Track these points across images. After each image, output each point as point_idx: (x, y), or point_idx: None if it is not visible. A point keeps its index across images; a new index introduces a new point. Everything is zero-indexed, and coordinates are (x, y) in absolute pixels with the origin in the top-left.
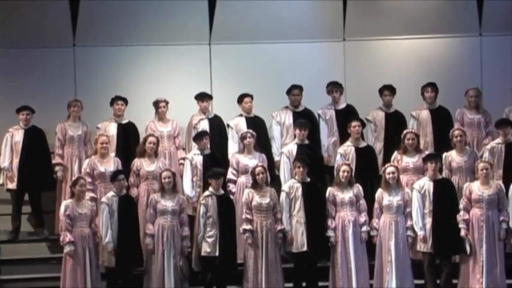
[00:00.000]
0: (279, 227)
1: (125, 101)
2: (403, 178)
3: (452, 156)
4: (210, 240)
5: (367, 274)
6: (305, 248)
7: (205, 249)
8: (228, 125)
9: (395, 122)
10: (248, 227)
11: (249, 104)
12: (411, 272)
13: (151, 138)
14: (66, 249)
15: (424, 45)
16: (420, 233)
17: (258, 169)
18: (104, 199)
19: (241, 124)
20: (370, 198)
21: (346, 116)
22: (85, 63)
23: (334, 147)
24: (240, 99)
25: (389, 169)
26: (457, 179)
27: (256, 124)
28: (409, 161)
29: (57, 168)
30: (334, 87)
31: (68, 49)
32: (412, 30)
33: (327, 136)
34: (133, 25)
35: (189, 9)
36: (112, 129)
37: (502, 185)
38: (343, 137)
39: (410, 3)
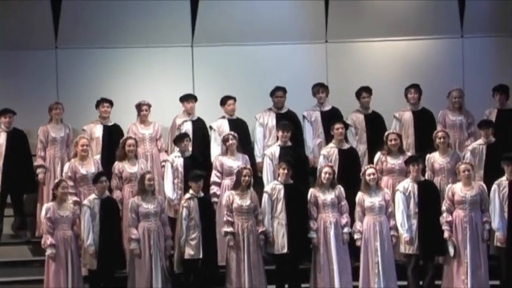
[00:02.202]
0: (260, 229)
1: (111, 103)
2: (388, 180)
3: (435, 158)
4: (193, 242)
5: (349, 276)
6: (285, 250)
7: (189, 251)
8: (211, 127)
9: (374, 123)
10: (229, 229)
11: (231, 106)
12: (395, 272)
13: (129, 141)
14: (48, 252)
15: (406, 47)
16: (406, 236)
17: (245, 171)
18: (85, 202)
19: (224, 126)
20: (353, 200)
21: (331, 118)
22: (67, 66)
23: (319, 148)
24: (223, 102)
25: (370, 171)
26: (440, 180)
27: (239, 126)
28: (394, 162)
29: (38, 170)
30: (321, 89)
31: (49, 51)
32: (394, 32)
33: (312, 138)
34: (115, 27)
35: (171, 11)
36: (98, 131)
37: (484, 186)
38: (329, 138)
39: (392, 5)
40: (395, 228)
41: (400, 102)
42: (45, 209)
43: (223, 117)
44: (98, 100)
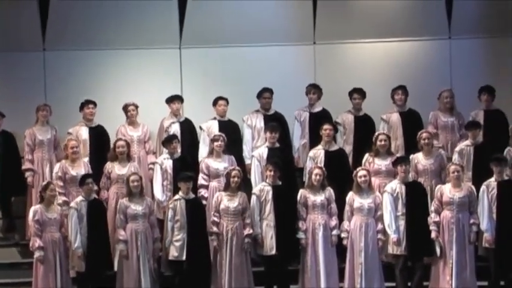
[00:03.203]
0: (246, 232)
1: (95, 104)
2: (375, 181)
3: (419, 159)
4: (177, 244)
5: (336, 277)
6: (274, 252)
7: (173, 253)
8: (201, 128)
9: (364, 126)
10: (214, 229)
11: (223, 107)
12: (380, 274)
13: (120, 143)
14: (36, 254)
15: (394, 48)
16: (394, 236)
17: (234, 172)
18: (72, 204)
19: (214, 127)
20: (340, 201)
21: (320, 120)
22: (55, 68)
23: (303, 149)
24: (215, 102)
25: (361, 173)
26: (423, 182)
27: (229, 128)
28: (381, 163)
29: (27, 174)
30: (312, 90)
31: (37, 53)
32: (382, 33)
33: (299, 138)
34: (103, 29)
35: (159, 13)
36: (84, 133)
37: (473, 188)
38: (314, 140)
39: (380, 6)
40: (383, 231)
41: (388, 103)
42: (33, 211)
43: (214, 118)
44: (82, 102)
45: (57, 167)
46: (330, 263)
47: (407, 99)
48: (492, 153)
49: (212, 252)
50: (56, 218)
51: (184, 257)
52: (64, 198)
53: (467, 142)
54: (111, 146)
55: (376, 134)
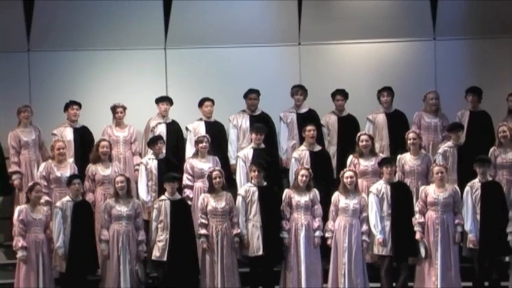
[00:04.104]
0: (235, 231)
1: (80, 105)
2: (362, 182)
3: (406, 159)
4: (160, 244)
5: (319, 278)
6: (261, 252)
7: (155, 253)
8: (187, 128)
9: (348, 126)
10: (203, 231)
11: (209, 108)
12: (365, 274)
13: (103, 143)
14: (19, 254)
15: (379, 49)
16: (379, 237)
17: (215, 173)
18: (58, 203)
19: (200, 128)
20: (324, 202)
21: (306, 120)
22: (39, 69)
23: (293, 150)
24: (201, 103)
25: (348, 173)
26: (409, 182)
27: (216, 129)
28: (367, 164)
29: (14, 176)
30: (299, 91)
31: (22, 54)
32: (367, 34)
33: (286, 139)
34: (88, 30)
35: (145, 14)
36: (68, 134)
37: (458, 189)
38: (303, 140)
39: (365, 7)
40: (368, 233)
41: (374, 104)
42: (18, 211)
43: (201, 119)
44: (66, 103)
45: (42, 167)
46: (312, 264)
47: (393, 100)
48: (476, 154)
49: (200, 254)
50: (41, 219)
51: (165, 258)
52: (47, 198)
53: (450, 143)
54: (94, 147)
55: (358, 134)
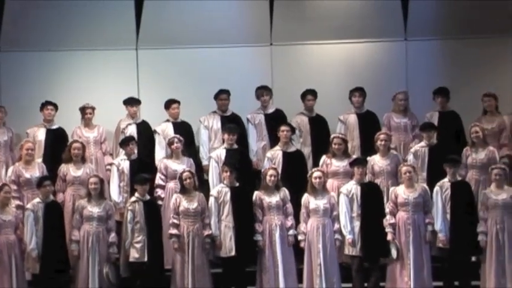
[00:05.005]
0: (206, 232)
1: (55, 106)
2: (334, 182)
3: (375, 160)
4: (138, 245)
5: (295, 278)
6: (233, 253)
7: (134, 255)
8: (155, 131)
9: (319, 126)
10: (174, 231)
11: (176, 110)
12: (339, 274)
13: (75, 144)
14: None
15: (351, 49)
16: (349, 237)
17: (185, 174)
18: (29, 205)
19: (169, 130)
20: (300, 202)
21: (275, 121)
22: (11, 69)
23: (263, 151)
24: (167, 105)
25: (317, 174)
26: (379, 183)
27: (183, 129)
28: (339, 165)
29: None
30: (265, 92)
31: None
32: (339, 34)
33: (255, 140)
34: (59, 30)
35: (116, 14)
36: (40, 134)
37: (427, 188)
38: (273, 141)
39: (337, 7)
40: (340, 231)
41: (345, 104)
42: None
43: (168, 120)
44: (42, 103)
45: (10, 171)
46: (288, 263)
47: (364, 100)
48: (446, 154)
49: (171, 254)
50: (11, 220)
51: (146, 258)
52: (18, 202)
53: (422, 143)
54: (66, 148)
55: (332, 137)
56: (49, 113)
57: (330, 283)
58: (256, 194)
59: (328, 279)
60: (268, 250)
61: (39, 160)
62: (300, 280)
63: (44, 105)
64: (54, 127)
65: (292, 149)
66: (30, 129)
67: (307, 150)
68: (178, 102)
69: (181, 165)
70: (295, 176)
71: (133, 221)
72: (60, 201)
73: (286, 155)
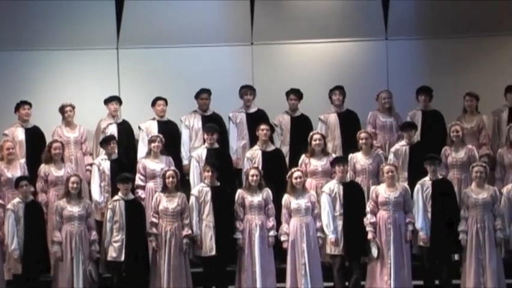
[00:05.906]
0: (185, 232)
1: (31, 105)
2: (312, 181)
3: (357, 158)
4: (116, 245)
5: (274, 278)
6: (213, 252)
7: (111, 254)
8: (139, 128)
9: (301, 126)
10: (153, 230)
11: (161, 107)
12: (321, 273)
13: (55, 144)
14: None
15: (332, 49)
16: (331, 236)
17: (169, 173)
18: (9, 206)
19: (152, 128)
20: (278, 202)
21: (256, 120)
22: None
23: (243, 150)
24: (154, 103)
25: (297, 174)
26: (360, 181)
27: (168, 128)
28: (318, 164)
29: None
30: (249, 91)
31: None
32: (320, 34)
33: (236, 139)
34: (38, 29)
35: (96, 13)
36: (20, 134)
37: (408, 187)
38: (254, 140)
39: (317, 7)
40: (322, 229)
41: (326, 104)
42: None
43: (153, 118)
44: (17, 103)
45: None
46: (266, 264)
47: (344, 99)
48: (427, 153)
49: (150, 253)
50: None
51: (122, 258)
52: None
53: (403, 142)
54: (46, 147)
55: (311, 134)
56: (26, 113)
57: (315, 282)
58: (239, 193)
59: (313, 278)
60: (247, 249)
61: (23, 160)
62: (280, 280)
63: (20, 104)
64: (30, 126)
65: (271, 148)
66: (8, 130)
67: (285, 149)
68: (165, 100)
69: (159, 165)
70: (274, 175)
71: (113, 220)
72: (43, 202)
73: (265, 154)
